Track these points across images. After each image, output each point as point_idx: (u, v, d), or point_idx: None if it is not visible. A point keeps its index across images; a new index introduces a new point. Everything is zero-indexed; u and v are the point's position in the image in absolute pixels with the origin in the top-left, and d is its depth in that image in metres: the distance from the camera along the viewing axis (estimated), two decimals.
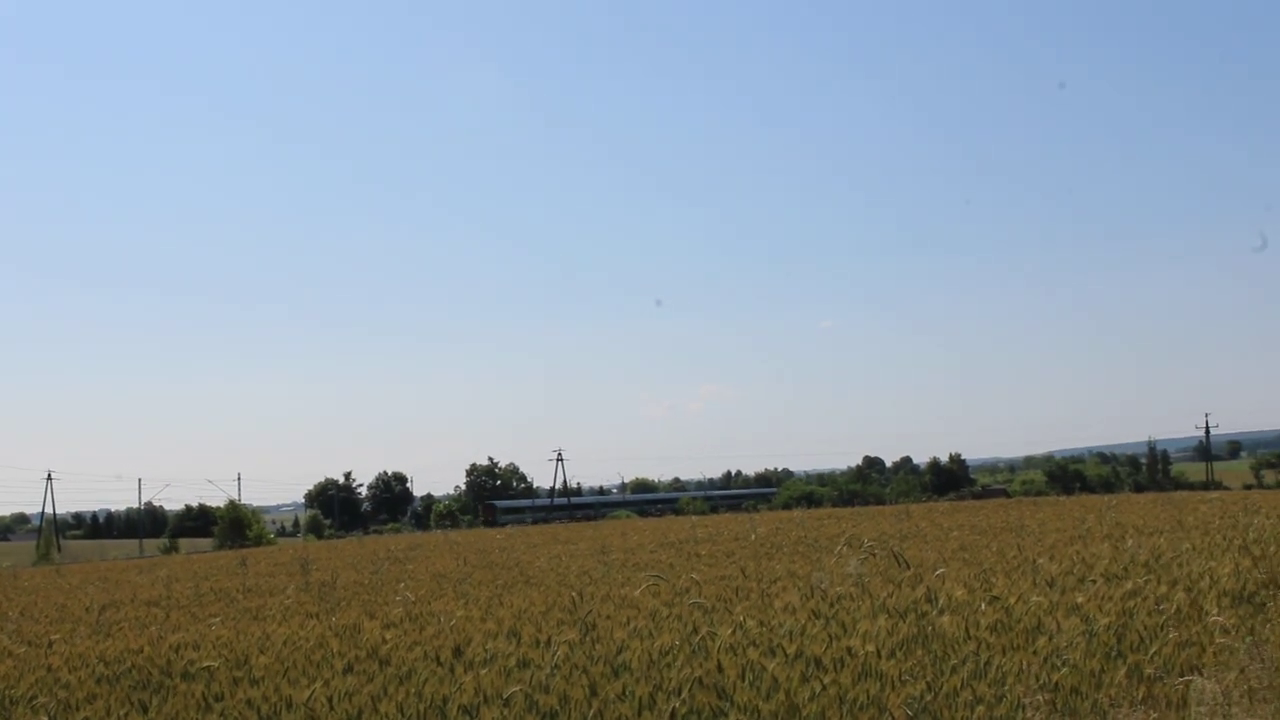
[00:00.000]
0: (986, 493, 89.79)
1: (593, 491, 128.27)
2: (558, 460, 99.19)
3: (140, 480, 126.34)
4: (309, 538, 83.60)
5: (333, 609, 14.64)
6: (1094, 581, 10.26)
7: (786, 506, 77.19)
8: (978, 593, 9.70)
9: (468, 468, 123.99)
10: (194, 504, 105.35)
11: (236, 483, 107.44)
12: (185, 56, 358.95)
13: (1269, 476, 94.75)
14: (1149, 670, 6.83)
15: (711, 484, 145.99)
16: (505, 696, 6.68)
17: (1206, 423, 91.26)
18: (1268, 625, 8.37)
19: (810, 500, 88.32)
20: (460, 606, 12.84)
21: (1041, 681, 6.65)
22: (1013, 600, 8.98)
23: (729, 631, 8.15)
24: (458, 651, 8.67)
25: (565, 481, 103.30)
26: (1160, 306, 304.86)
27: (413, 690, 7.14)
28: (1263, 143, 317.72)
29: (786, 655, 7.22)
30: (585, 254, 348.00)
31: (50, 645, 11.63)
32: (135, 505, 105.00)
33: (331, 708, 6.99)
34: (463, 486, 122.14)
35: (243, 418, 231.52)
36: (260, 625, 12.60)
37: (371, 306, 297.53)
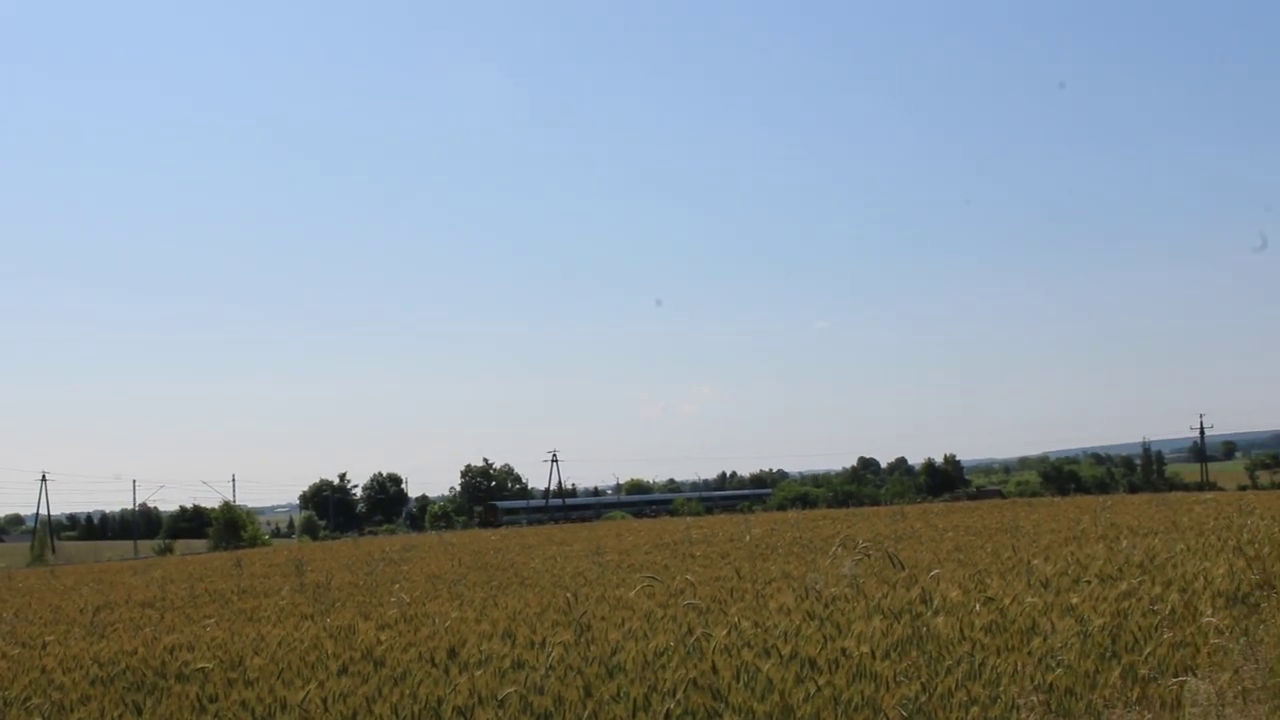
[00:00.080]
0: (981, 494, 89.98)
1: (587, 492, 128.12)
2: (552, 461, 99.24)
3: (135, 481, 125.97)
4: (304, 539, 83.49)
5: (327, 610, 14.62)
6: (1089, 582, 10.28)
7: (781, 507, 77.20)
8: (972, 594, 9.71)
9: (462, 469, 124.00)
10: (189, 505, 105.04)
11: (231, 484, 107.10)
12: (179, 55, 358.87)
13: (1263, 477, 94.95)
14: (1143, 671, 6.85)
15: (706, 485, 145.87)
16: (500, 698, 6.68)
17: (1201, 424, 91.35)
18: (1262, 626, 8.39)
19: (805, 501, 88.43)
20: (455, 608, 12.84)
21: (1036, 682, 6.67)
22: (1007, 601, 9.00)
23: (724, 633, 8.16)
24: (452, 653, 8.67)
25: (560, 483, 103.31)
26: (1155, 307, 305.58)
27: (407, 691, 7.14)
28: (1262, 143, 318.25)
29: (781, 656, 7.23)
30: (578, 255, 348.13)
31: (45, 647, 11.60)
32: (130, 506, 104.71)
33: (326, 709, 6.98)
34: (457, 488, 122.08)
35: (237, 419, 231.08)
36: (255, 626, 12.59)
37: (366, 307, 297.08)
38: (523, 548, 31.90)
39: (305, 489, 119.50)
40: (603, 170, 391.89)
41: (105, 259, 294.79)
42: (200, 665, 8.92)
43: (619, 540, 32.12)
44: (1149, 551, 13.07)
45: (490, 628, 10.05)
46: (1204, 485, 79.99)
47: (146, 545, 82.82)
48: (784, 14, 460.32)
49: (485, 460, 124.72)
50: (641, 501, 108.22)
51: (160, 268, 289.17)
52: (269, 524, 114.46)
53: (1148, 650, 7.26)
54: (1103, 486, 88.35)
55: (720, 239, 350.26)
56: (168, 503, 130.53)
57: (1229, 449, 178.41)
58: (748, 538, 27.66)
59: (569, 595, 12.34)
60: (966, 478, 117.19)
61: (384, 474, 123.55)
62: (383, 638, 9.84)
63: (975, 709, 6.11)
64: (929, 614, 8.68)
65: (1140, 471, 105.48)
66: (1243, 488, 75.36)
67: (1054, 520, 26.68)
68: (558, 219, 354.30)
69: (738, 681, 6.67)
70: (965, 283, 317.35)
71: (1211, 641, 7.53)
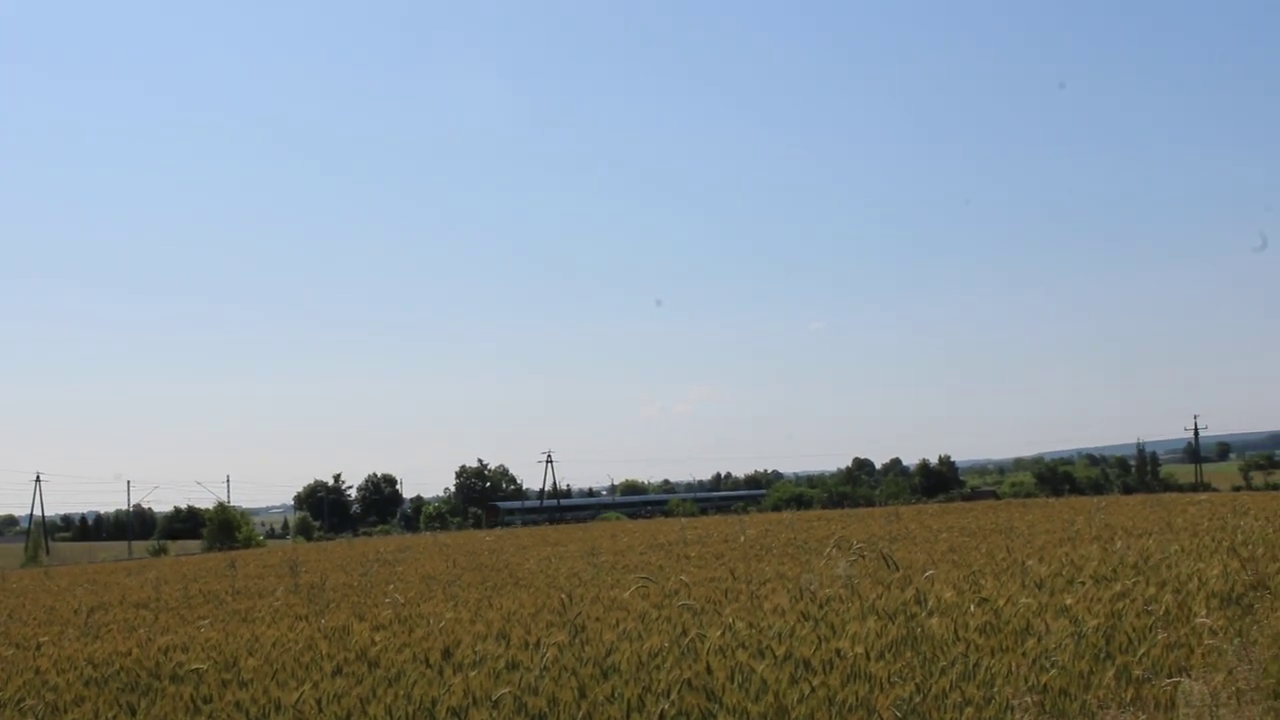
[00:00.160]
0: (976, 494, 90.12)
1: (582, 493, 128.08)
2: (547, 462, 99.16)
3: (129, 482, 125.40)
4: (298, 540, 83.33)
5: (322, 611, 14.61)
6: (1083, 583, 10.31)
7: (776, 508, 77.16)
8: (967, 594, 9.73)
9: (457, 470, 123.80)
10: (183, 506, 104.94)
11: (225, 485, 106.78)
12: (178, 56, 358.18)
13: (1258, 478, 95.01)
14: (1137, 672, 6.86)
15: (701, 486, 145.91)
16: (494, 698, 6.68)
17: (1195, 425, 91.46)
18: (1256, 627, 8.41)
19: (800, 502, 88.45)
20: (449, 608, 12.83)
21: (1030, 683, 6.68)
22: (1002, 602, 9.02)
23: (718, 633, 8.17)
24: (447, 653, 8.66)
25: (555, 483, 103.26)
26: (1149, 308, 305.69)
27: (402, 692, 7.13)
28: (1261, 143, 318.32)
29: (775, 657, 7.24)
30: (574, 256, 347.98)
31: (38, 647, 11.58)
32: (124, 507, 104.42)
33: (320, 710, 6.97)
34: (452, 488, 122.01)
35: (232, 419, 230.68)
36: (249, 627, 12.58)
37: (361, 308, 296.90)
38: (518, 548, 31.89)
39: (300, 490, 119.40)
40: (599, 170, 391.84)
41: (101, 259, 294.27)
42: (194, 666, 8.91)
43: (614, 541, 32.12)
44: (1143, 552, 13.09)
45: (485, 628, 10.05)
46: (1198, 486, 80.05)
47: (141, 546, 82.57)
48: (782, 14, 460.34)
49: (480, 461, 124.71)
50: (636, 502, 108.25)
51: (156, 268, 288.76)
52: (263, 525, 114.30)
53: (1142, 651, 7.27)
54: (1097, 487, 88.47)
55: (714, 240, 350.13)
56: (162, 503, 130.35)
57: (1223, 450, 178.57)
58: (742, 538, 27.67)
59: (564, 596, 12.33)
60: (961, 479, 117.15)
61: (379, 475, 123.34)
62: (377, 639, 9.84)
63: (970, 710, 6.11)
64: (923, 615, 8.69)
65: (1135, 472, 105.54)
66: (1237, 489, 75.43)
67: (1048, 521, 26.72)
68: (554, 219, 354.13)
69: (732, 682, 6.67)
70: (961, 283, 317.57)
71: (1206, 642, 7.54)
